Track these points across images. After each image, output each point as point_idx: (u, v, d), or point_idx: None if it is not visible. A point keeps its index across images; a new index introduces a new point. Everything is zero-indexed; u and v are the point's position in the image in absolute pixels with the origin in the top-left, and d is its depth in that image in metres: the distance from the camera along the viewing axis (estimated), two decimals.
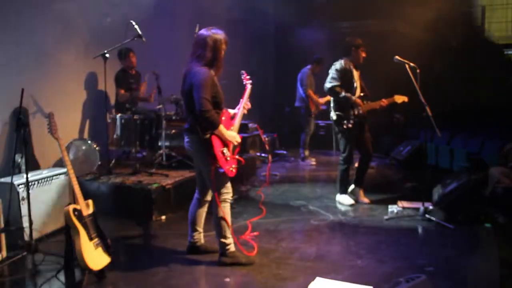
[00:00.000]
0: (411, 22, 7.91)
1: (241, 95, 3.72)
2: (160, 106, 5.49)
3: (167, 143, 5.51)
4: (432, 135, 7.00)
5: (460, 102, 7.65)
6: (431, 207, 4.75)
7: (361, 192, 5.32)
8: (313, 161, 7.97)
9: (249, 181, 6.41)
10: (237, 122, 3.59)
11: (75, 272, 3.08)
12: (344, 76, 5.03)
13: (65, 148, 3.25)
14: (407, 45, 6.48)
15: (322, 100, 7.70)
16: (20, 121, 3.49)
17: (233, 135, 3.41)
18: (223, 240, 3.43)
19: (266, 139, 7.84)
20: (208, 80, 3.21)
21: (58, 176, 4.20)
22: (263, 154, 7.72)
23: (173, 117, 5.66)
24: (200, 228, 3.66)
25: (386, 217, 4.70)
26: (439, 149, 7.35)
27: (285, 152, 8.75)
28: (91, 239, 3.08)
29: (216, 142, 3.27)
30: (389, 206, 5.02)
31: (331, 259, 3.61)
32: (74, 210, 3.04)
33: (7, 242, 3.55)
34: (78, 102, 5.65)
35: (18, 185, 3.74)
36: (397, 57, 4.66)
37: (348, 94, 4.99)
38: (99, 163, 5.19)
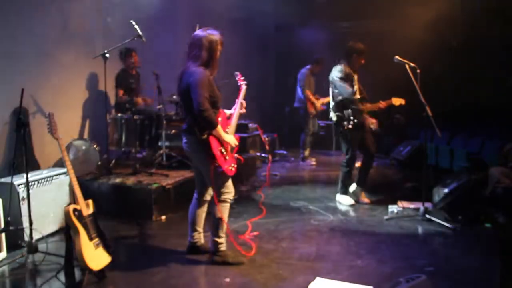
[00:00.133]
0: (411, 22, 7.91)
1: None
2: (160, 106, 5.49)
3: (167, 143, 5.51)
4: (432, 135, 7.00)
5: (460, 102, 7.65)
6: (431, 207, 4.76)
7: (362, 193, 5.32)
8: (313, 162, 7.97)
9: (249, 181, 6.41)
10: (233, 122, 3.61)
11: (75, 272, 3.08)
12: (347, 80, 5.03)
13: (65, 148, 3.25)
14: (407, 45, 6.48)
15: (322, 101, 7.70)
16: (20, 121, 3.49)
17: (231, 138, 3.41)
18: (216, 239, 3.46)
19: (266, 139, 7.84)
20: (205, 80, 3.23)
21: (58, 176, 4.21)
22: (263, 154, 7.72)
23: (173, 117, 5.66)
24: (200, 228, 3.67)
25: (386, 217, 4.70)
26: (439, 149, 7.35)
27: (285, 152, 8.75)
28: (91, 239, 3.08)
29: (214, 142, 3.28)
30: (389, 206, 5.02)
31: (331, 259, 3.61)
32: (74, 210, 3.04)
33: (7, 242, 3.56)
34: (78, 102, 5.65)
35: (18, 185, 3.74)
36: (397, 57, 4.65)
37: (364, 107, 5.04)
38: (99, 163, 5.20)
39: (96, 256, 3.07)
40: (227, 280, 3.23)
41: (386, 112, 5.33)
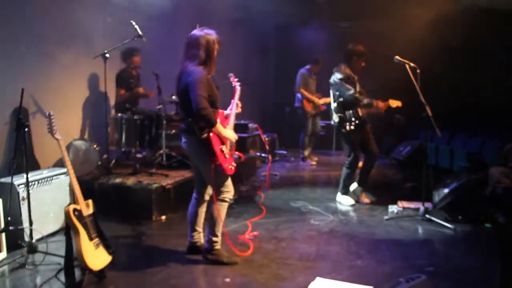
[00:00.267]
0: (411, 22, 7.90)
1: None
2: (160, 106, 5.49)
3: (167, 143, 5.51)
4: (432, 135, 6.99)
5: (460, 102, 7.65)
6: (431, 207, 4.76)
7: (362, 193, 5.32)
8: (313, 162, 7.97)
9: (249, 181, 6.41)
10: (231, 122, 3.64)
11: (75, 272, 3.08)
12: (348, 82, 5.03)
13: (65, 148, 3.25)
14: (407, 45, 6.47)
15: (324, 100, 7.69)
16: (20, 121, 3.49)
17: (230, 133, 3.45)
18: (212, 237, 3.46)
19: (266, 139, 7.84)
20: (203, 79, 3.23)
21: (58, 176, 4.20)
22: (263, 154, 7.72)
23: (173, 117, 5.66)
24: (200, 228, 3.67)
25: (386, 217, 4.70)
26: (439, 149, 7.35)
27: (285, 152, 8.75)
28: (91, 239, 3.08)
29: (215, 140, 3.30)
30: (389, 206, 5.02)
31: (331, 259, 3.61)
32: (74, 210, 3.04)
33: (7, 242, 3.55)
34: (78, 102, 5.65)
35: (18, 185, 3.74)
36: (397, 57, 4.65)
37: (368, 100, 5.01)
38: (99, 163, 5.20)
39: (96, 256, 3.07)
40: (227, 280, 3.23)
41: (386, 112, 5.32)
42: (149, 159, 5.64)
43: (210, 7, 7.37)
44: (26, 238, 3.57)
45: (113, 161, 5.38)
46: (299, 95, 7.79)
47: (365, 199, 5.29)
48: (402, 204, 5.05)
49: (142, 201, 4.61)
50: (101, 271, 3.16)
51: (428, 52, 7.26)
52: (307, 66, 7.84)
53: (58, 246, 3.71)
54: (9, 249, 3.57)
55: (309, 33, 9.17)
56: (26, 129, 3.55)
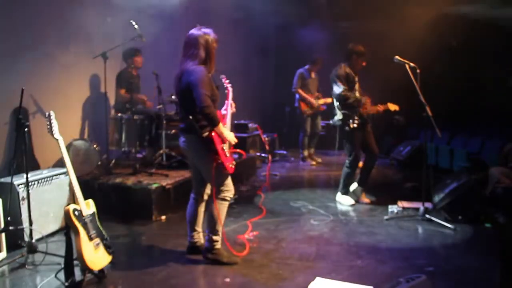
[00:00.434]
0: (411, 22, 7.90)
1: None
2: (160, 106, 5.49)
3: (167, 143, 5.51)
4: (432, 135, 6.98)
5: (460, 102, 7.65)
6: (431, 207, 4.76)
7: (363, 193, 5.32)
8: (313, 162, 7.96)
9: (249, 181, 6.40)
10: (228, 122, 3.69)
11: (75, 272, 3.07)
12: (347, 80, 5.03)
13: (65, 148, 3.25)
14: (407, 45, 6.47)
15: (324, 100, 7.68)
16: (20, 121, 3.49)
17: (231, 135, 3.46)
18: (212, 236, 3.46)
19: (266, 139, 7.84)
20: (206, 78, 3.25)
21: (58, 176, 4.20)
22: (263, 154, 7.72)
23: (173, 117, 5.66)
24: (199, 228, 3.67)
25: (386, 217, 4.70)
26: (439, 149, 7.35)
27: (285, 152, 8.75)
28: (91, 239, 3.08)
29: (216, 138, 3.31)
30: (389, 206, 5.02)
31: (331, 259, 3.61)
32: (74, 210, 3.04)
33: (7, 242, 3.55)
34: (78, 102, 5.65)
35: (18, 185, 3.74)
36: (397, 57, 4.65)
37: (357, 97, 5.01)
38: (99, 163, 5.20)
39: (96, 256, 3.07)
40: (227, 280, 3.23)
41: (386, 113, 5.33)
42: (149, 159, 5.64)
43: (210, 7, 7.37)
44: (26, 238, 3.57)
45: (113, 161, 5.38)
46: (298, 95, 7.80)
47: (365, 199, 5.29)
48: (402, 204, 5.05)
49: (142, 201, 4.61)
50: (101, 271, 3.16)
51: (428, 52, 7.25)
52: (306, 66, 7.84)
53: (58, 246, 3.71)
54: (9, 249, 3.57)
55: (309, 33, 9.17)
56: (26, 129, 3.55)
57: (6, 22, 4.48)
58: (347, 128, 5.03)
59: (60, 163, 4.73)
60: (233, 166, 3.47)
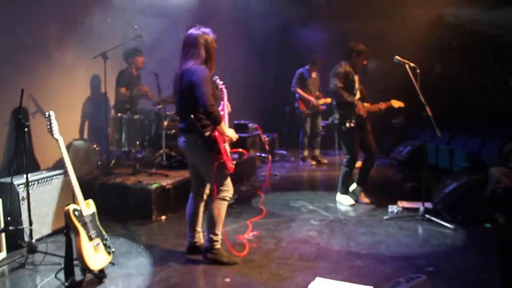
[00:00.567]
0: (411, 22, 7.90)
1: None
2: (160, 106, 5.49)
3: (167, 143, 5.51)
4: (432, 135, 7.00)
5: (460, 102, 7.65)
6: (431, 207, 4.75)
7: (362, 193, 5.32)
8: (313, 162, 7.96)
9: (249, 181, 6.40)
10: (226, 122, 3.69)
11: (75, 272, 3.08)
12: (346, 78, 5.03)
13: (65, 148, 3.25)
14: (407, 45, 6.48)
15: (324, 100, 7.68)
16: (20, 121, 3.49)
17: (232, 132, 3.48)
18: (212, 236, 3.46)
19: (266, 139, 7.84)
20: (208, 77, 3.26)
21: (58, 176, 4.20)
22: (263, 154, 7.72)
23: (173, 117, 5.66)
24: (199, 228, 3.67)
25: (386, 217, 4.70)
26: (439, 149, 7.35)
27: (285, 152, 8.75)
28: (91, 239, 3.08)
29: (219, 137, 3.32)
30: (389, 206, 5.02)
31: (331, 259, 3.61)
32: (74, 210, 3.04)
33: (7, 242, 3.55)
34: (78, 102, 5.66)
35: (18, 185, 3.74)
36: (397, 57, 4.65)
37: (352, 98, 5.00)
38: (99, 163, 5.20)
39: (96, 256, 3.07)
40: (227, 280, 3.23)
41: (387, 113, 5.33)
42: (149, 159, 5.64)
43: (210, 7, 7.37)
44: (26, 238, 3.57)
45: (113, 161, 5.38)
46: (298, 94, 7.80)
47: (365, 199, 5.28)
48: (402, 204, 5.05)
49: (142, 201, 4.61)
50: (101, 271, 3.16)
51: (428, 52, 7.26)
52: (306, 66, 7.85)
53: (58, 246, 3.71)
54: (9, 249, 3.57)
55: (309, 33, 9.17)
56: (26, 129, 3.54)
57: (6, 22, 4.48)
58: (344, 127, 5.04)
59: (60, 164, 4.73)
60: (233, 166, 3.48)
